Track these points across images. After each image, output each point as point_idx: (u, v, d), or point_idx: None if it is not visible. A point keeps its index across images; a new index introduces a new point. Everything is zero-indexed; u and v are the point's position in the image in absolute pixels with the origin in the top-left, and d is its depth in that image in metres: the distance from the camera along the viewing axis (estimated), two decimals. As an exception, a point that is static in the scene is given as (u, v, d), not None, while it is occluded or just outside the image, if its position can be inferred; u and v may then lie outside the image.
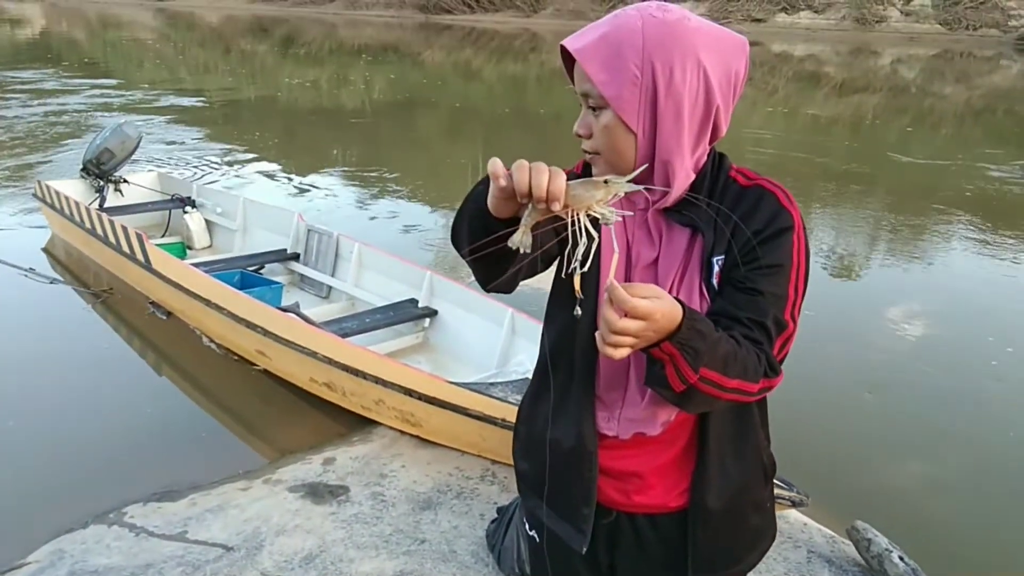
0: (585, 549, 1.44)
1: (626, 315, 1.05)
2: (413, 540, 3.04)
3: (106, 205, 6.48)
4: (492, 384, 3.48)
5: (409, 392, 3.61)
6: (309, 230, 5.70)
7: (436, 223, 7.99)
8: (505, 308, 4.30)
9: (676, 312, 1.09)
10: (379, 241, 5.86)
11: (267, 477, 3.58)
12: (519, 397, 3.34)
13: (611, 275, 1.07)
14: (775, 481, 1.63)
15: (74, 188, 6.60)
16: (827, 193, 9.88)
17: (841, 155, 12.39)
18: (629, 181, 1.13)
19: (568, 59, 1.31)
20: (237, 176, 9.62)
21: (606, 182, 1.10)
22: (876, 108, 18.04)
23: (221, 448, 4.09)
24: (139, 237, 5.22)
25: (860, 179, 10.69)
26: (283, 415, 4.27)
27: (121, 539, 3.15)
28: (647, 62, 1.21)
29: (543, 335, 1.51)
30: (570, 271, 1.10)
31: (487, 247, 1.23)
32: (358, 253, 5.31)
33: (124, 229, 5.35)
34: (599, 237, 1.11)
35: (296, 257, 5.71)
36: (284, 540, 3.05)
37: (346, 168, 10.55)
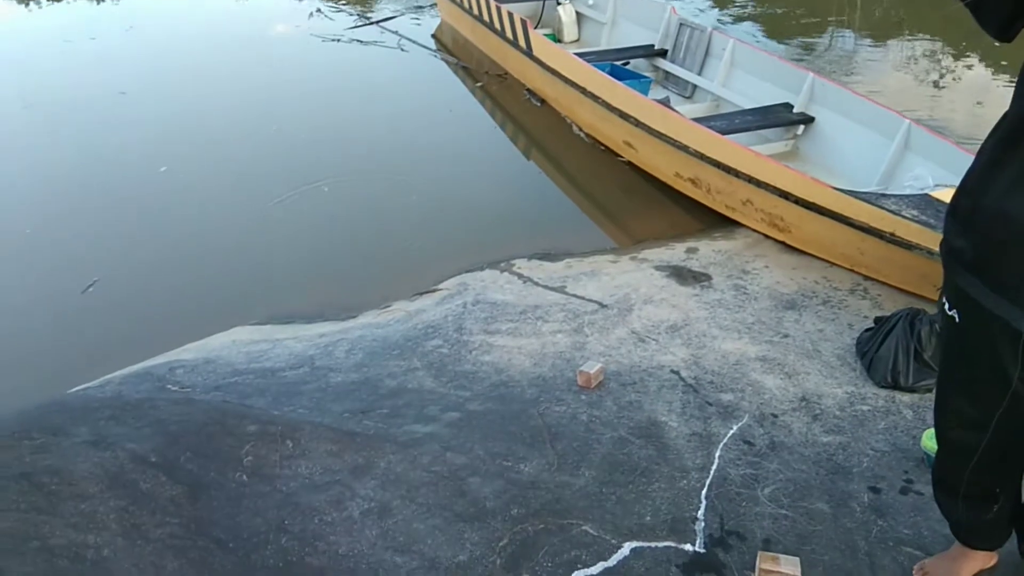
0: None
1: None
2: (775, 333, 3.10)
3: (488, -6, 6.89)
4: (883, 195, 3.24)
5: (785, 195, 3.52)
6: (681, 24, 5.54)
7: (809, 26, 7.27)
8: (901, 119, 3.88)
9: None
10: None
11: (633, 255, 3.84)
12: (915, 213, 3.09)
13: None
14: None
15: None
16: None
17: None
18: None
19: None
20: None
21: None
22: None
23: (585, 228, 4.44)
24: (523, 24, 5.52)
25: None
26: (644, 206, 4.46)
27: (512, 283, 3.67)
28: None
29: (1013, 101, 1.35)
30: None
31: None
32: (731, 50, 5.08)
33: (510, 15, 5.69)
34: None
35: (663, 53, 5.64)
36: (651, 309, 3.30)
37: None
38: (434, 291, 3.75)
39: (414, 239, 4.33)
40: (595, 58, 5.52)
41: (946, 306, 1.55)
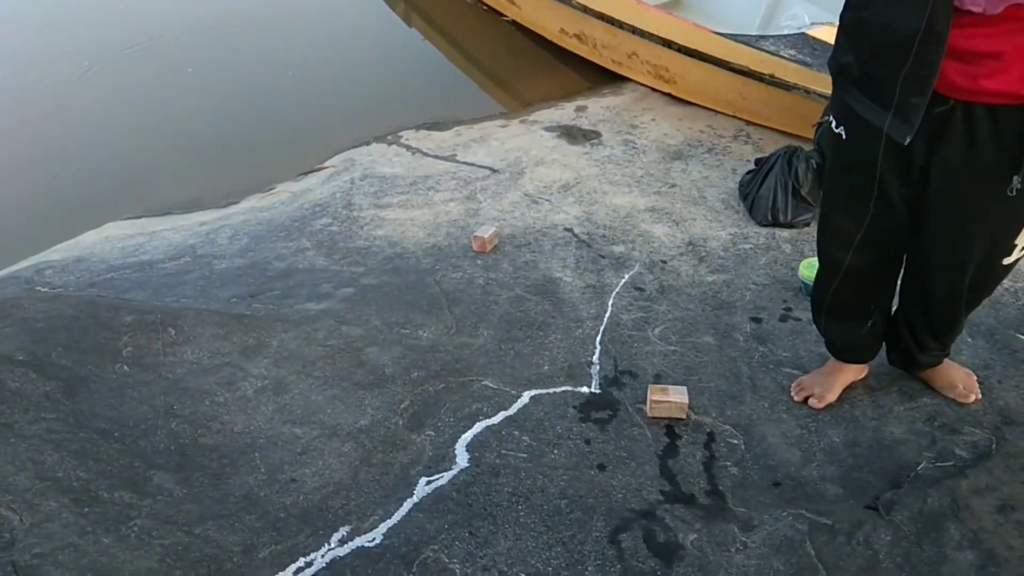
0: (909, 139, 1.39)
1: None
2: (664, 183, 3.14)
3: None
4: (762, 37, 3.25)
5: (668, 43, 3.48)
6: None
7: None
8: (777, -42, 3.85)
9: None
10: None
11: (523, 118, 3.76)
12: (793, 52, 3.12)
13: None
14: None
15: None
16: None
17: None
18: None
19: None
20: None
21: None
22: None
23: (473, 94, 4.31)
24: None
25: None
26: (531, 68, 4.33)
27: (400, 156, 3.54)
28: None
29: None
30: None
31: None
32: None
33: None
34: None
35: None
36: (543, 170, 3.27)
37: None
38: (319, 169, 3.58)
39: (294, 117, 4.08)
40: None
41: (833, 124, 1.58)
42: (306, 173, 3.58)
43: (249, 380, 2.01)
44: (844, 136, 1.54)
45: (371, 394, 2.04)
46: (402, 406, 2.02)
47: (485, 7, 4.75)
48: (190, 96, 4.21)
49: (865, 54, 1.42)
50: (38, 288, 2.67)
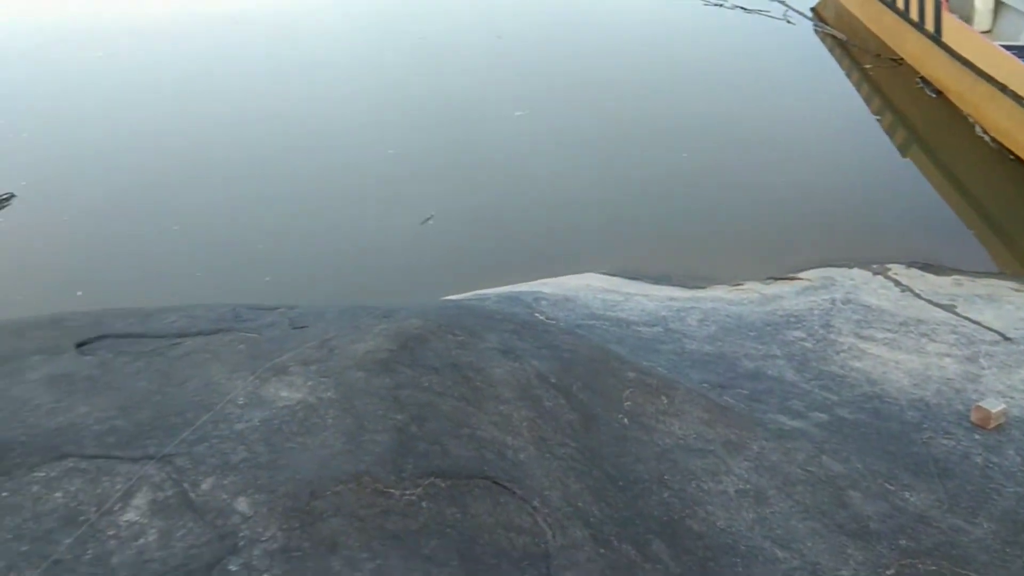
0: None
1: None
2: None
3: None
4: None
5: None
6: None
7: None
8: None
9: None
10: None
11: (1046, 288, 3.27)
12: None
13: None
14: None
15: None
16: None
17: None
18: None
19: None
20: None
21: None
22: None
23: (974, 245, 3.90)
24: (936, 4, 4.89)
25: None
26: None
27: (887, 289, 3.30)
28: None
29: None
30: None
31: None
32: None
33: (921, -7, 5.07)
34: None
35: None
36: (1073, 357, 2.77)
37: None
38: (792, 279, 3.52)
39: (763, 218, 4.10)
40: (1018, 53, 4.72)
41: None
42: (776, 279, 3.54)
43: (731, 477, 1.98)
44: None
45: (854, 544, 1.87)
46: (888, 572, 1.80)
47: (1012, 156, 4.27)
48: (673, 178, 4.48)
49: None
50: (536, 315, 3.00)
